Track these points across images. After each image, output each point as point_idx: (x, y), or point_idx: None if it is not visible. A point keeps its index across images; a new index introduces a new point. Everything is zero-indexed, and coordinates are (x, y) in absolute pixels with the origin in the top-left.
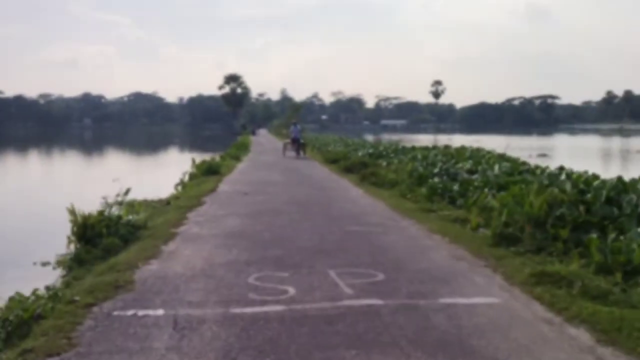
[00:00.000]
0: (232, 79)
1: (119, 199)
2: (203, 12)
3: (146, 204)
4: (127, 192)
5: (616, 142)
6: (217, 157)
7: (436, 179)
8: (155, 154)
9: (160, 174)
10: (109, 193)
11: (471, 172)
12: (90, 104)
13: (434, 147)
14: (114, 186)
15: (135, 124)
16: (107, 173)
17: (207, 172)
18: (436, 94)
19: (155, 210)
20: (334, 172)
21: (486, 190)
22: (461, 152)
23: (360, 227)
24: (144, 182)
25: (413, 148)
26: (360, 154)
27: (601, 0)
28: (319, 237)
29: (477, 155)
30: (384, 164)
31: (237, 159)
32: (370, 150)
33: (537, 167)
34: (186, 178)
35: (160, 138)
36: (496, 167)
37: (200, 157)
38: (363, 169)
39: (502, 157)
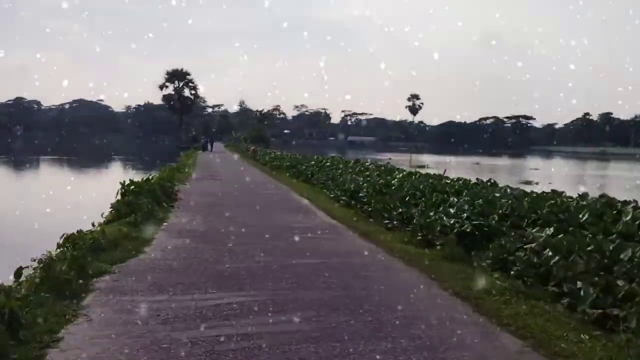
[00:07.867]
0: (176, 75)
1: None
2: (161, 24)
3: None
4: None
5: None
6: None
7: None
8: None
9: None
10: None
11: None
12: (23, 111)
13: None
14: None
15: (73, 133)
16: None
17: None
18: (413, 109)
19: None
20: None
21: None
22: None
23: None
24: None
25: None
26: None
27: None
28: None
29: None
30: None
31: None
32: None
33: None
34: None
35: (92, 152)
36: None
37: None
38: None
39: None
